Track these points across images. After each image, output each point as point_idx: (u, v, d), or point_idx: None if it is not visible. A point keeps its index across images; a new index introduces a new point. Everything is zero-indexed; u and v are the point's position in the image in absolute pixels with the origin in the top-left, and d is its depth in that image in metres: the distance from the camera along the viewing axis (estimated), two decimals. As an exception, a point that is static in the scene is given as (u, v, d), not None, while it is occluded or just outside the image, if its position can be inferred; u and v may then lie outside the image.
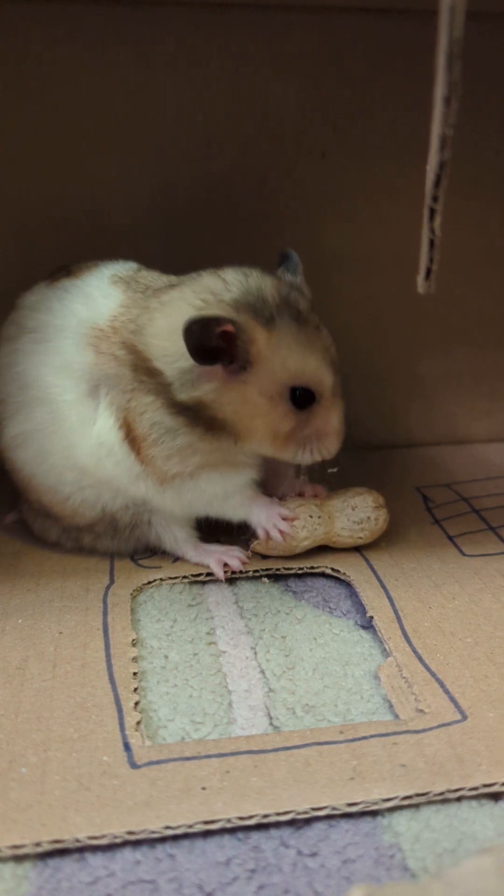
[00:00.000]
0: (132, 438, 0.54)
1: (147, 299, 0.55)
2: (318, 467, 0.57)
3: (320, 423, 0.54)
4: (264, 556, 0.61)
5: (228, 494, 0.57)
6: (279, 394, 0.52)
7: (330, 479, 0.59)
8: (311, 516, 0.59)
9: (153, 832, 0.38)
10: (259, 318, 0.51)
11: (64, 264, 0.61)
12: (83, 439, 0.55)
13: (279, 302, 0.52)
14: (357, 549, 0.62)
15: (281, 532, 0.58)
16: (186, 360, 0.51)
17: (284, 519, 0.58)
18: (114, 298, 0.55)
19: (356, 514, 0.61)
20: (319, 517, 0.60)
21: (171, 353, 0.52)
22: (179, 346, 0.50)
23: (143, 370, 0.53)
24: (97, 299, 0.56)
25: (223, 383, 0.51)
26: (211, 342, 0.49)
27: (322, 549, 0.62)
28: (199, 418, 0.53)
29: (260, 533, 0.58)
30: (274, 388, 0.52)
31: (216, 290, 0.52)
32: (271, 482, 0.61)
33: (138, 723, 0.44)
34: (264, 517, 0.58)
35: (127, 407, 0.54)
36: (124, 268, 0.58)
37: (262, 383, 0.52)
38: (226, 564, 0.59)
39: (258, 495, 0.59)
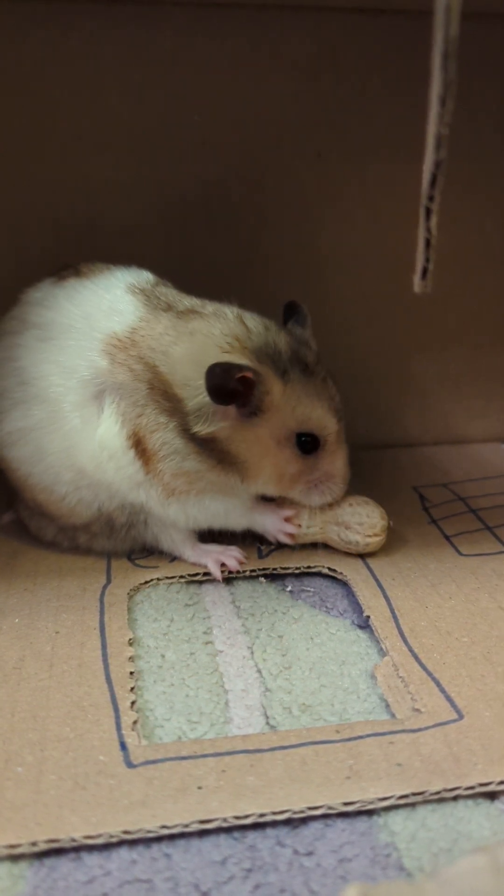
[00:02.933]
0: (142, 450, 0.54)
1: (172, 320, 0.55)
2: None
3: (327, 467, 0.57)
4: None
5: (230, 510, 0.59)
6: (287, 438, 0.55)
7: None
8: (307, 527, 0.61)
9: (149, 831, 0.38)
10: (276, 370, 0.54)
11: (69, 263, 0.60)
12: (85, 442, 0.55)
13: (291, 356, 0.55)
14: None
15: (289, 534, 0.60)
16: (205, 396, 0.52)
17: (287, 520, 0.60)
18: (132, 309, 0.56)
19: (348, 534, 0.60)
20: (310, 527, 0.61)
21: (192, 384, 0.53)
22: (201, 379, 0.52)
23: (161, 392, 0.54)
24: (114, 306, 0.56)
25: (236, 423, 0.53)
26: (230, 385, 0.51)
27: (320, 550, 0.62)
28: (212, 449, 0.54)
29: (270, 537, 0.61)
30: (282, 433, 0.55)
31: (240, 336, 0.54)
32: None
33: (135, 722, 0.44)
34: (269, 524, 0.60)
35: (137, 422, 0.54)
36: (140, 278, 0.59)
37: (273, 428, 0.54)
38: (223, 564, 0.59)
39: (258, 503, 0.60)
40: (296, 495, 0.58)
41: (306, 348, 0.57)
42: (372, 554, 0.61)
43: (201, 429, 0.53)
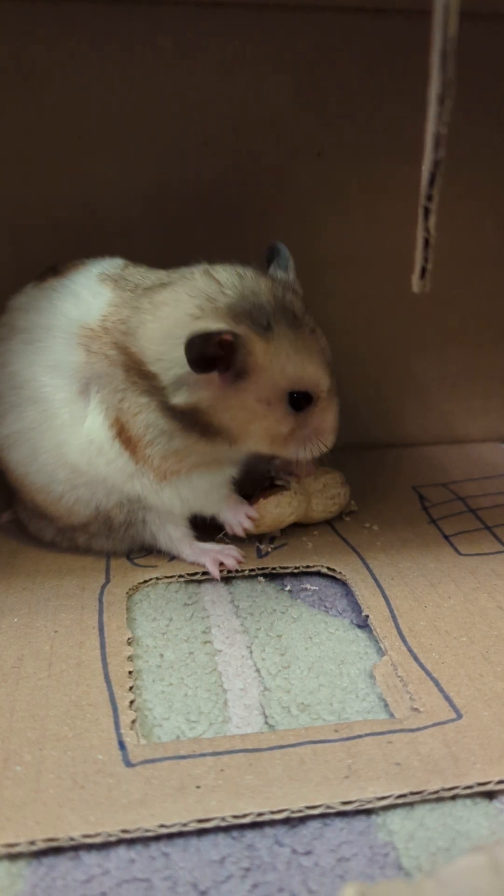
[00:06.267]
0: (126, 438, 0.54)
1: (138, 299, 0.54)
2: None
3: (318, 422, 0.55)
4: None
5: (211, 489, 0.59)
6: (278, 399, 0.53)
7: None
8: (291, 499, 0.62)
9: (147, 830, 0.38)
10: (257, 328, 0.51)
11: (52, 264, 0.60)
12: (74, 438, 0.55)
13: (275, 306, 0.52)
14: (353, 548, 0.62)
15: (245, 527, 0.61)
16: (182, 367, 0.51)
17: (250, 518, 0.61)
18: (103, 297, 0.55)
19: (328, 490, 0.64)
20: (298, 494, 0.63)
21: (166, 358, 0.52)
22: (175, 352, 0.51)
23: (136, 372, 0.53)
24: (86, 298, 0.56)
25: (219, 390, 0.52)
26: (209, 351, 0.49)
27: (319, 549, 0.62)
28: (195, 423, 0.53)
29: (227, 528, 0.61)
30: (272, 395, 0.53)
31: (212, 295, 0.52)
32: (249, 479, 0.63)
33: (133, 721, 0.45)
34: (232, 515, 0.60)
35: (119, 407, 0.54)
36: (112, 265, 0.58)
37: (261, 390, 0.52)
38: (221, 563, 0.59)
39: (230, 495, 0.60)
40: (288, 454, 0.56)
41: (292, 294, 0.54)
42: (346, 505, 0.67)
43: (180, 400, 0.52)
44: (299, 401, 0.54)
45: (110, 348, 0.54)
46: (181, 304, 0.52)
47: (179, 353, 0.50)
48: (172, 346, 0.51)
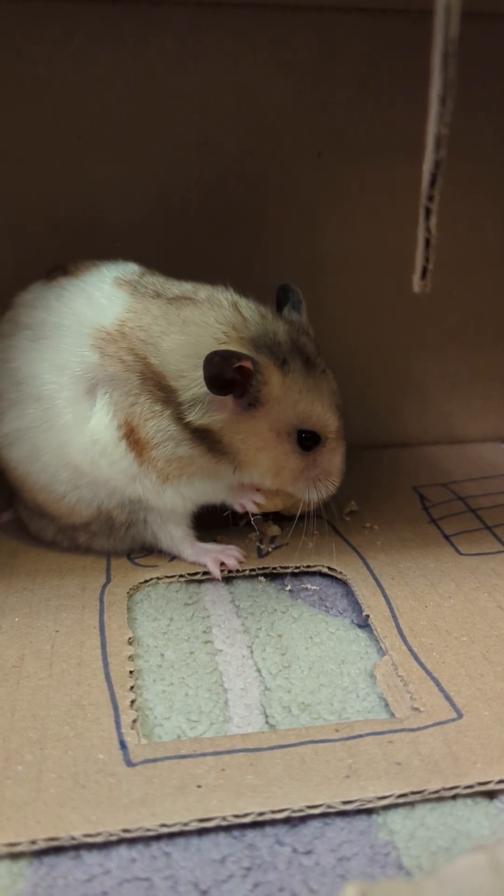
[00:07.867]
0: (134, 440, 0.54)
1: (161, 308, 0.55)
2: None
3: (326, 463, 0.57)
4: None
5: (217, 487, 0.59)
6: (287, 433, 0.55)
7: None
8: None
9: (149, 830, 0.38)
10: (275, 360, 0.53)
11: (60, 263, 0.60)
12: (77, 438, 0.55)
13: (291, 346, 0.54)
14: (353, 548, 0.62)
15: (256, 503, 0.61)
16: (200, 387, 0.52)
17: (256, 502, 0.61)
18: (120, 301, 0.55)
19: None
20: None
21: (188, 376, 0.53)
22: (195, 371, 0.52)
23: (154, 382, 0.53)
24: (101, 300, 0.56)
25: (233, 414, 0.53)
26: (227, 374, 0.51)
27: (320, 549, 0.62)
28: (205, 438, 0.54)
29: (237, 507, 0.61)
30: (282, 428, 0.54)
31: (237, 325, 0.53)
32: None
33: (134, 721, 0.45)
34: (241, 495, 0.61)
35: (130, 410, 0.54)
36: (127, 270, 0.58)
37: (272, 421, 0.54)
38: (222, 563, 0.59)
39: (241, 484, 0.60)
40: (293, 489, 0.58)
41: (306, 337, 0.57)
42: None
43: (195, 418, 0.53)
44: (307, 440, 0.55)
45: (127, 353, 0.54)
46: (208, 327, 0.53)
47: (199, 374, 0.51)
48: (194, 366, 0.52)
